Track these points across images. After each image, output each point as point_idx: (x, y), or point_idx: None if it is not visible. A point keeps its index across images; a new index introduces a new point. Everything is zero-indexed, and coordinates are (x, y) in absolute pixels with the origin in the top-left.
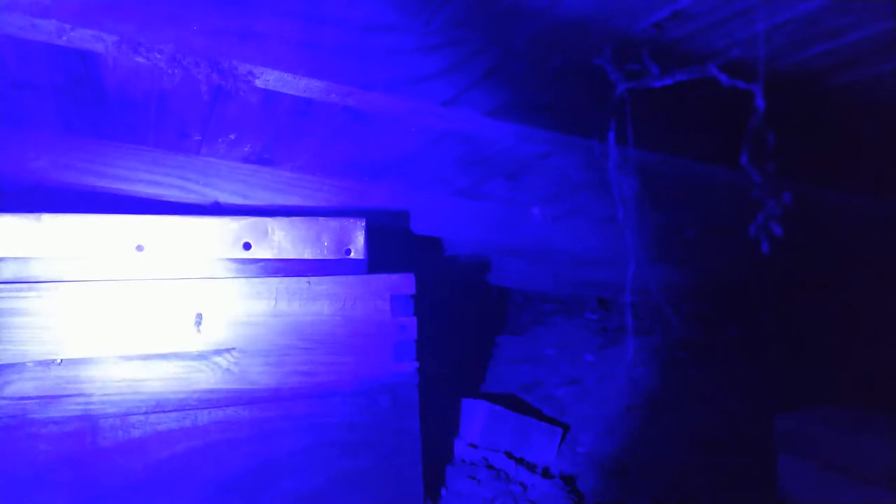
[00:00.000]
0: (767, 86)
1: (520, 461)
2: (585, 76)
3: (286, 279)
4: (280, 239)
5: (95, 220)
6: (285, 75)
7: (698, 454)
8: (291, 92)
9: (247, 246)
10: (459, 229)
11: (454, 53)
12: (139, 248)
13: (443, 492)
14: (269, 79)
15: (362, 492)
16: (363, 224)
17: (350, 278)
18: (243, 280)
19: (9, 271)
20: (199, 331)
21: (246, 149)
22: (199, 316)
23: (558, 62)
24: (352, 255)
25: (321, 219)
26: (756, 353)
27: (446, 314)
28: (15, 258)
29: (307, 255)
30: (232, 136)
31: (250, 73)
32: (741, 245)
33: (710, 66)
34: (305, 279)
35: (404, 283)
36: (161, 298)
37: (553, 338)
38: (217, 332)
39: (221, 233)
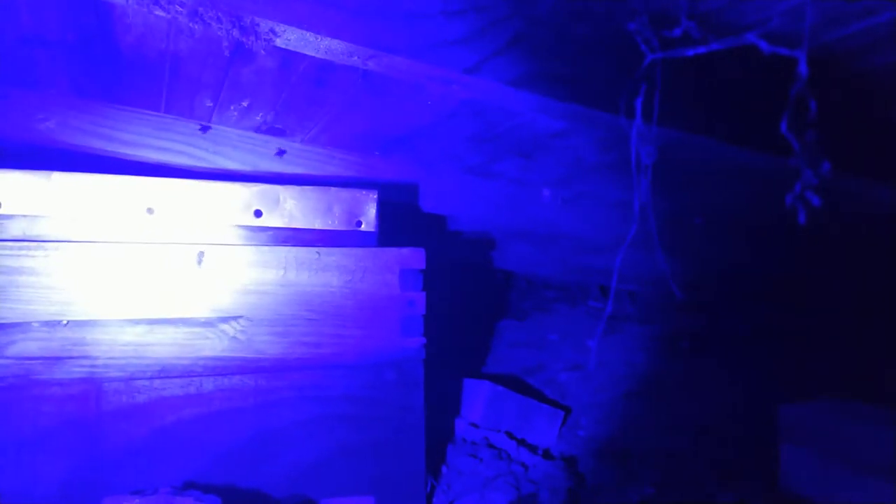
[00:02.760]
0: (793, 66)
1: (521, 442)
2: (611, 47)
3: (295, 248)
4: (291, 208)
5: (106, 180)
6: (307, 34)
7: (699, 442)
8: (312, 53)
9: (258, 213)
10: (468, 208)
11: (478, 19)
12: (150, 210)
13: (444, 469)
14: (291, 38)
15: (365, 465)
16: (375, 196)
17: (360, 250)
18: (252, 248)
19: (17, 228)
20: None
21: (258, 118)
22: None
23: (584, 32)
24: (362, 228)
25: (333, 189)
26: (758, 344)
27: (449, 294)
28: (24, 215)
29: (318, 225)
30: (244, 104)
31: (272, 30)
32: (747, 234)
33: (748, 34)
34: (315, 249)
35: (414, 257)
36: (169, 262)
37: (556, 323)
38: (224, 300)
39: (233, 199)
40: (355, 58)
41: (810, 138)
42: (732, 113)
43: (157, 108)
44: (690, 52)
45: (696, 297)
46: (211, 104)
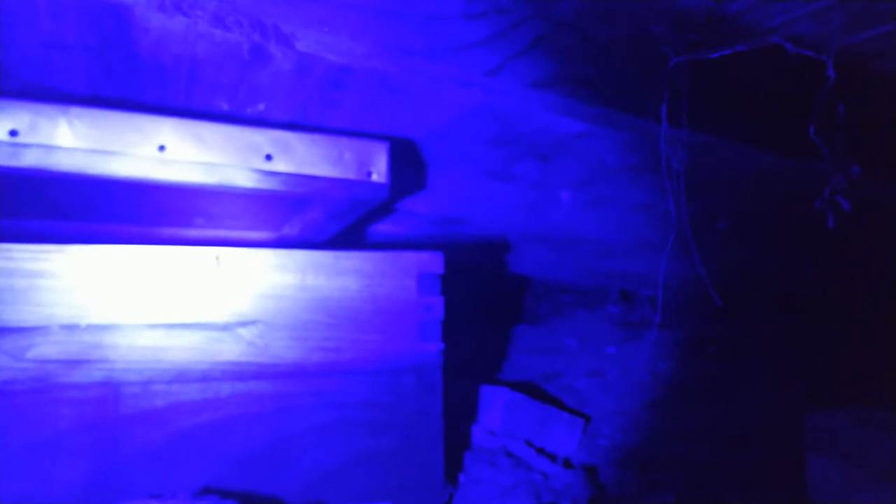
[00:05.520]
0: (819, 68)
1: (540, 451)
2: (635, 49)
3: (314, 252)
4: (302, 153)
5: (121, 116)
6: (327, 38)
7: (722, 452)
8: (332, 57)
9: (268, 157)
10: (486, 211)
11: (499, 21)
12: (161, 147)
13: (461, 478)
14: (311, 41)
15: (383, 472)
16: (386, 146)
17: (377, 254)
18: (270, 251)
19: (32, 157)
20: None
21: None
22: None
23: (607, 34)
24: (373, 178)
25: (344, 137)
26: (785, 352)
27: (464, 298)
28: (39, 145)
29: (328, 172)
30: (261, 107)
31: (293, 34)
32: (772, 239)
33: (773, 36)
34: (332, 253)
35: (432, 261)
36: (187, 265)
37: (573, 329)
38: (242, 304)
39: (243, 141)
40: (375, 61)
41: (839, 142)
42: (758, 116)
43: (173, 114)
44: (716, 54)
45: (723, 304)
46: (227, 107)
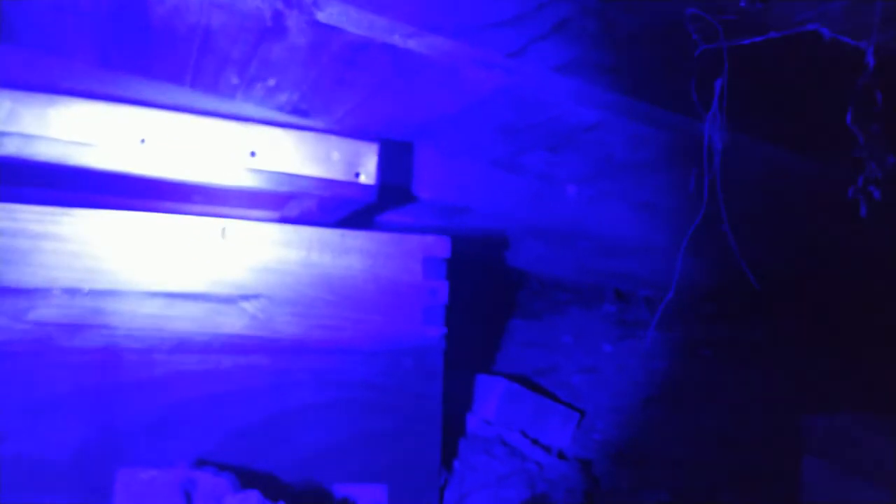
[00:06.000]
0: (852, 65)
1: (534, 442)
2: (659, 37)
3: (320, 229)
4: (287, 151)
5: (101, 107)
6: (350, 9)
7: (717, 451)
8: (352, 29)
9: (253, 153)
10: (489, 201)
11: (527, 1)
12: (142, 140)
13: (456, 464)
14: (333, 11)
15: (379, 453)
16: (376, 148)
17: (384, 235)
18: (276, 226)
19: (13, 146)
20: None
21: (283, 97)
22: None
23: (632, 19)
24: (361, 179)
25: (333, 136)
26: (782, 354)
27: (459, 289)
28: (20, 134)
29: (314, 171)
30: (271, 83)
31: (315, 3)
32: (778, 241)
33: (810, 24)
34: (339, 231)
35: (439, 245)
36: (192, 235)
37: (569, 326)
38: (246, 277)
39: (227, 135)
40: (396, 35)
41: (875, 131)
42: (783, 111)
43: (182, 83)
44: (747, 41)
45: (719, 307)
46: (237, 81)
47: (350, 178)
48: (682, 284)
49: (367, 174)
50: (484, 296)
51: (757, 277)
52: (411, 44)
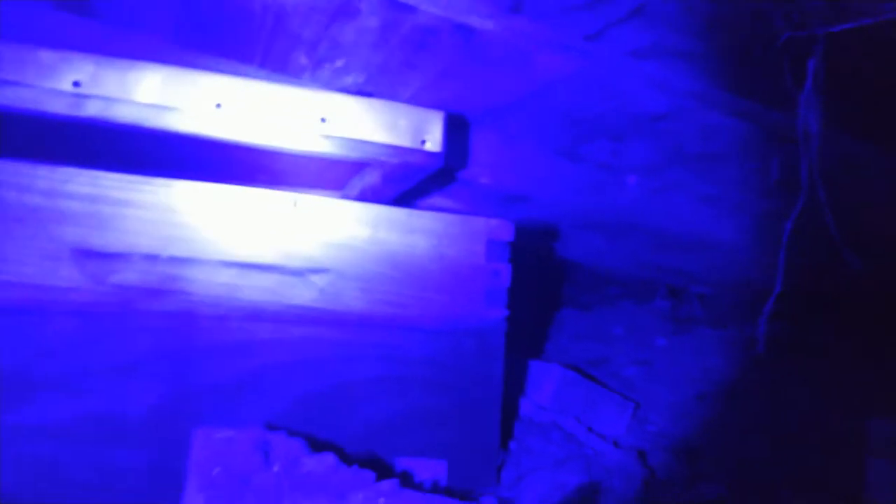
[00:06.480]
0: None
1: (589, 429)
2: (740, 23)
3: (388, 207)
4: (356, 118)
5: (179, 72)
6: None
7: (775, 450)
8: (428, 8)
9: (323, 119)
10: (546, 190)
11: None
12: (217, 105)
13: (512, 445)
14: None
15: (438, 430)
16: (442, 115)
17: (449, 216)
18: (346, 202)
19: (95, 108)
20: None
21: (349, 79)
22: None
23: (713, 6)
24: (427, 147)
25: (400, 104)
26: (847, 356)
27: (512, 278)
28: (102, 96)
29: (382, 138)
30: (339, 64)
31: None
32: (846, 241)
33: None
34: (405, 210)
35: (503, 229)
36: (266, 208)
37: (620, 319)
38: (316, 251)
39: (297, 101)
40: (474, 16)
41: None
42: (859, 103)
43: (251, 62)
44: (836, 28)
45: (779, 308)
46: (306, 62)
47: (416, 144)
48: (739, 282)
49: (434, 141)
50: (533, 286)
51: (822, 277)
52: (489, 25)
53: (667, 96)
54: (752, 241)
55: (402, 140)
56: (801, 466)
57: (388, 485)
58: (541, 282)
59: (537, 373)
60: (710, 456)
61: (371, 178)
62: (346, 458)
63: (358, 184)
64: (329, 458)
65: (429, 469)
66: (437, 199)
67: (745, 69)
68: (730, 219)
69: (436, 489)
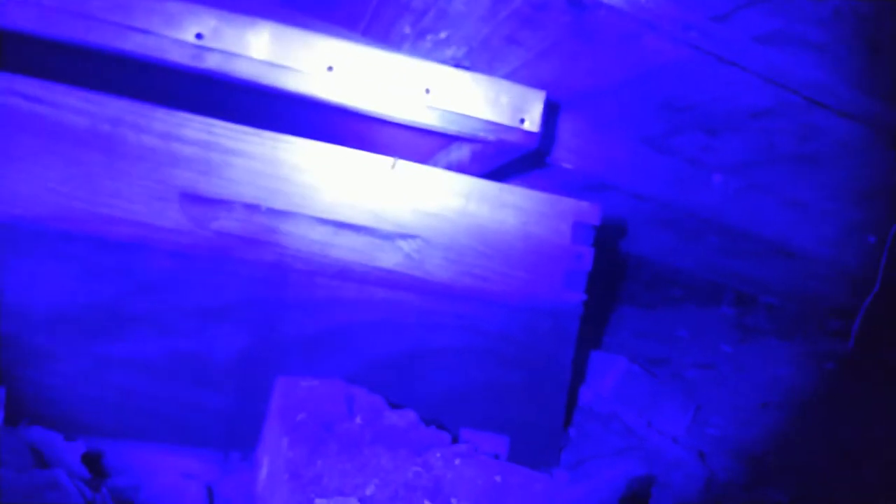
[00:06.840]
0: None
1: (649, 424)
2: (869, 17)
3: (480, 180)
4: (460, 91)
5: (295, 32)
6: None
7: (838, 463)
8: None
9: (427, 90)
10: (631, 180)
11: None
12: (329, 68)
13: (571, 431)
14: None
15: (506, 406)
16: (543, 95)
17: (540, 194)
18: (441, 172)
19: (214, 61)
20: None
21: (448, 52)
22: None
23: None
24: (525, 126)
25: (503, 80)
26: None
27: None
28: (221, 50)
29: (482, 114)
30: (442, 35)
31: None
32: None
33: None
34: (497, 185)
35: (590, 212)
36: (363, 168)
37: (684, 321)
38: (406, 217)
39: (404, 70)
40: None
41: None
42: None
43: (355, 29)
44: None
45: (847, 323)
46: (409, 31)
47: (515, 123)
48: (810, 296)
49: (532, 121)
50: (596, 278)
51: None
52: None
53: (775, 89)
54: (834, 253)
55: (502, 117)
56: (862, 482)
57: (464, 447)
58: (604, 275)
59: (599, 364)
60: (771, 464)
61: (458, 153)
62: None
63: (444, 159)
64: (410, 415)
65: (490, 443)
66: (515, 182)
67: (871, 64)
68: (814, 227)
69: None
